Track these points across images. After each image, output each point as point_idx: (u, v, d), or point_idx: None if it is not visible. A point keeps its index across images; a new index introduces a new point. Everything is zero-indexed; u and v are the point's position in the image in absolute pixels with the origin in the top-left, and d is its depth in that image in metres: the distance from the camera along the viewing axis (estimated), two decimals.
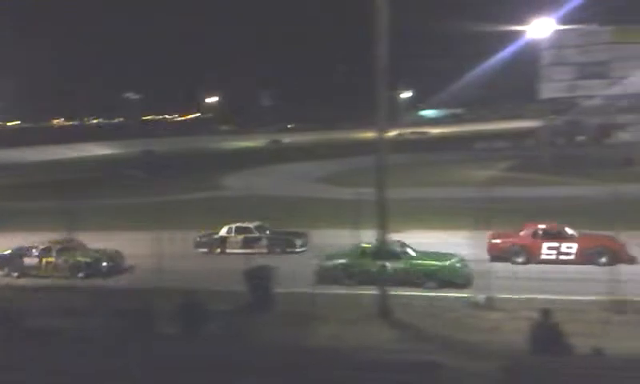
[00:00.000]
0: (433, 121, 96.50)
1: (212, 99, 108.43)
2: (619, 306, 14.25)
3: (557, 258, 18.25)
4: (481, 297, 15.31)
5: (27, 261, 20.39)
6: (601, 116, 57.19)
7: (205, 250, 22.22)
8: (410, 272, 17.16)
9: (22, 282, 20.09)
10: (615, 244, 17.87)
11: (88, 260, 20.02)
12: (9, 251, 21.25)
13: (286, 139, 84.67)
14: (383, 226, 15.26)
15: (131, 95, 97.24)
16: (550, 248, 18.41)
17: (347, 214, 23.67)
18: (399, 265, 17.25)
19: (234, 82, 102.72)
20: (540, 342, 10.40)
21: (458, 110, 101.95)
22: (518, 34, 45.95)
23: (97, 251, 20.67)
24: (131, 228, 25.44)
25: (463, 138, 65.10)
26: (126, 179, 47.72)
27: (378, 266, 16.84)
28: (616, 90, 59.11)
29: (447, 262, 17.48)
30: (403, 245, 18.23)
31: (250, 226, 22.14)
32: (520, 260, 18.57)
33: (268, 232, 22.24)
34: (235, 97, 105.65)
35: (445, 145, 60.31)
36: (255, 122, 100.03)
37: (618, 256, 17.57)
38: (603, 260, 17.67)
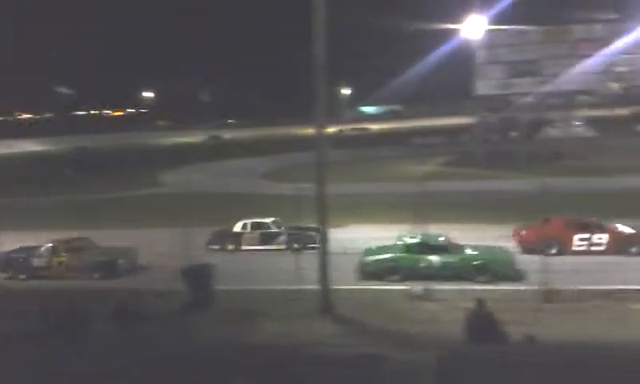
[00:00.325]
0: (372, 117, 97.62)
1: (148, 94, 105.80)
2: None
3: (588, 249, 18.40)
4: (419, 288, 15.67)
5: (36, 261, 19.01)
6: (532, 113, 59.57)
7: (217, 247, 21.20)
8: (458, 266, 16.78)
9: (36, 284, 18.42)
10: None
11: (105, 259, 18.92)
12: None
13: (226, 135, 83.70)
14: (323, 221, 15.34)
15: (64, 90, 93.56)
16: (581, 239, 18.63)
17: (288, 210, 23.76)
18: (447, 259, 16.91)
19: (172, 76, 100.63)
20: (475, 332, 10.76)
21: (397, 107, 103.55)
22: (453, 32, 47.14)
23: (111, 249, 19.62)
24: (62, 227, 24.49)
25: (402, 133, 66.25)
26: (57, 177, 45.91)
27: (425, 261, 16.85)
28: (546, 87, 61.66)
29: (499, 255, 17.31)
30: (446, 238, 17.87)
31: (267, 221, 21.42)
32: (553, 251, 18.39)
33: (283, 228, 21.52)
34: (173, 92, 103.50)
35: (384, 141, 61.20)
36: (194, 117, 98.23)
37: None
38: (634, 250, 18.23)
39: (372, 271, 17.14)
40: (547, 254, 18.23)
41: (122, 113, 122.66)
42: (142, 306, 14.35)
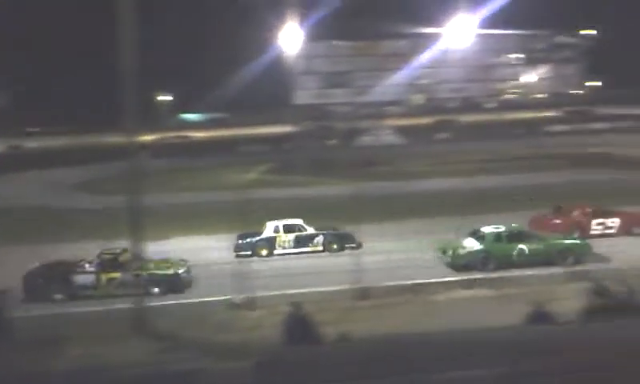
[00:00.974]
0: (196, 125, 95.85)
1: None
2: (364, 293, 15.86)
3: (603, 232, 20.25)
4: (240, 297, 15.62)
5: (80, 279, 16.48)
6: (348, 121, 63.24)
7: (248, 252, 19.90)
8: (546, 252, 17.74)
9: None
10: None
11: (168, 272, 16.92)
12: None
13: (31, 144, 76.19)
14: (139, 234, 14.60)
15: None
16: (597, 224, 20.44)
17: (105, 224, 22.33)
18: (536, 246, 17.82)
19: None
20: (293, 335, 10.97)
21: (221, 114, 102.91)
22: (272, 41, 48.13)
23: (164, 261, 17.60)
24: None
25: (226, 141, 65.83)
26: None
27: (517, 249, 17.51)
28: (359, 98, 65.84)
29: (578, 241, 18.55)
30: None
31: (300, 222, 20.50)
32: (575, 236, 19.69)
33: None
34: None
35: (208, 149, 60.33)
36: None
37: None
38: (637, 231, 20.48)
39: (465, 263, 17.63)
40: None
41: None
42: None
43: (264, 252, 20.10)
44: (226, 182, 37.49)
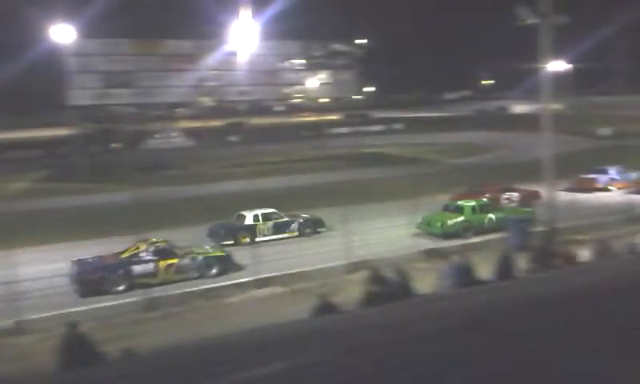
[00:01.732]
0: None
1: None
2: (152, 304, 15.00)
3: (509, 204, 24.47)
4: (7, 323, 13.71)
5: (137, 268, 16.66)
6: (133, 124, 60.11)
7: (230, 242, 20.23)
8: (507, 219, 20.55)
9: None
10: (538, 193, 24.70)
11: (220, 254, 18.04)
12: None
13: None
14: None
15: None
16: (505, 198, 24.91)
17: None
18: (500, 215, 21.15)
19: None
20: (69, 358, 9.86)
21: None
22: (40, 40, 43.78)
23: (200, 247, 18.33)
24: None
25: None
26: None
27: (488, 218, 21.05)
28: (144, 99, 62.93)
29: (528, 211, 22.07)
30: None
31: (273, 210, 21.63)
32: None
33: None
34: None
35: None
36: None
37: (538, 199, 24.33)
38: (534, 202, 24.34)
39: (452, 232, 20.46)
40: None
41: None
42: None
43: (247, 240, 20.72)
44: None
